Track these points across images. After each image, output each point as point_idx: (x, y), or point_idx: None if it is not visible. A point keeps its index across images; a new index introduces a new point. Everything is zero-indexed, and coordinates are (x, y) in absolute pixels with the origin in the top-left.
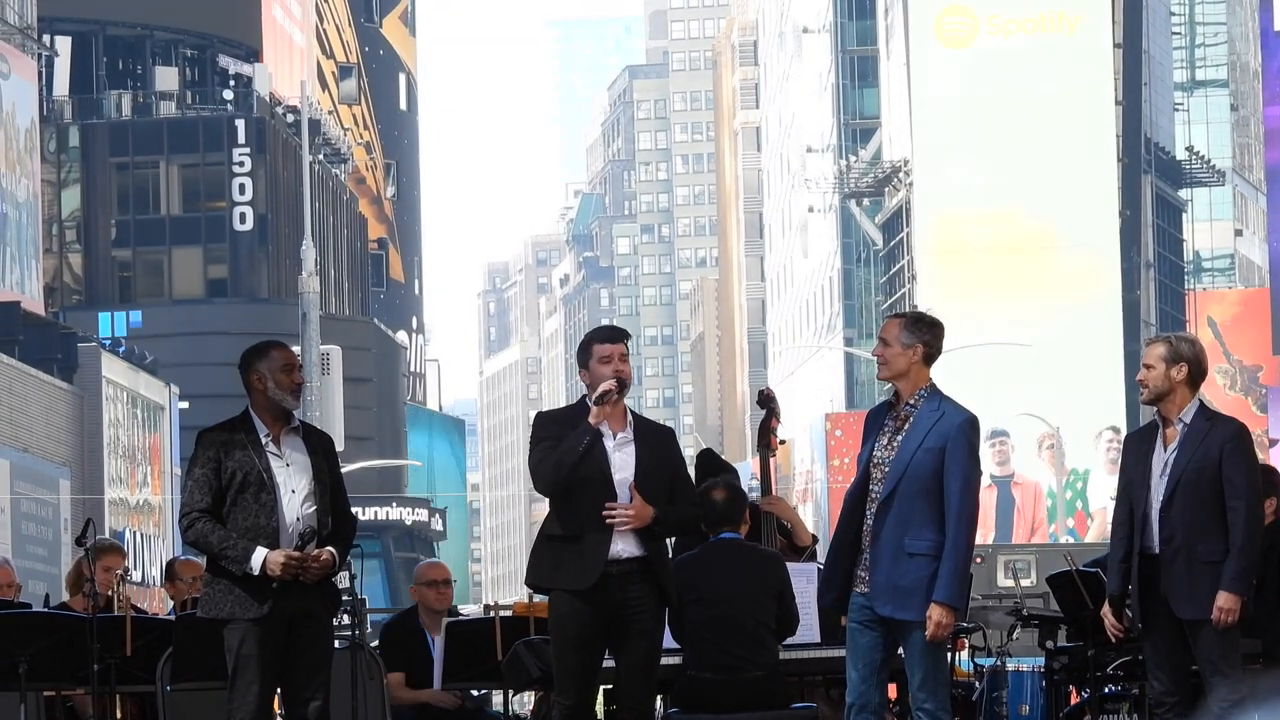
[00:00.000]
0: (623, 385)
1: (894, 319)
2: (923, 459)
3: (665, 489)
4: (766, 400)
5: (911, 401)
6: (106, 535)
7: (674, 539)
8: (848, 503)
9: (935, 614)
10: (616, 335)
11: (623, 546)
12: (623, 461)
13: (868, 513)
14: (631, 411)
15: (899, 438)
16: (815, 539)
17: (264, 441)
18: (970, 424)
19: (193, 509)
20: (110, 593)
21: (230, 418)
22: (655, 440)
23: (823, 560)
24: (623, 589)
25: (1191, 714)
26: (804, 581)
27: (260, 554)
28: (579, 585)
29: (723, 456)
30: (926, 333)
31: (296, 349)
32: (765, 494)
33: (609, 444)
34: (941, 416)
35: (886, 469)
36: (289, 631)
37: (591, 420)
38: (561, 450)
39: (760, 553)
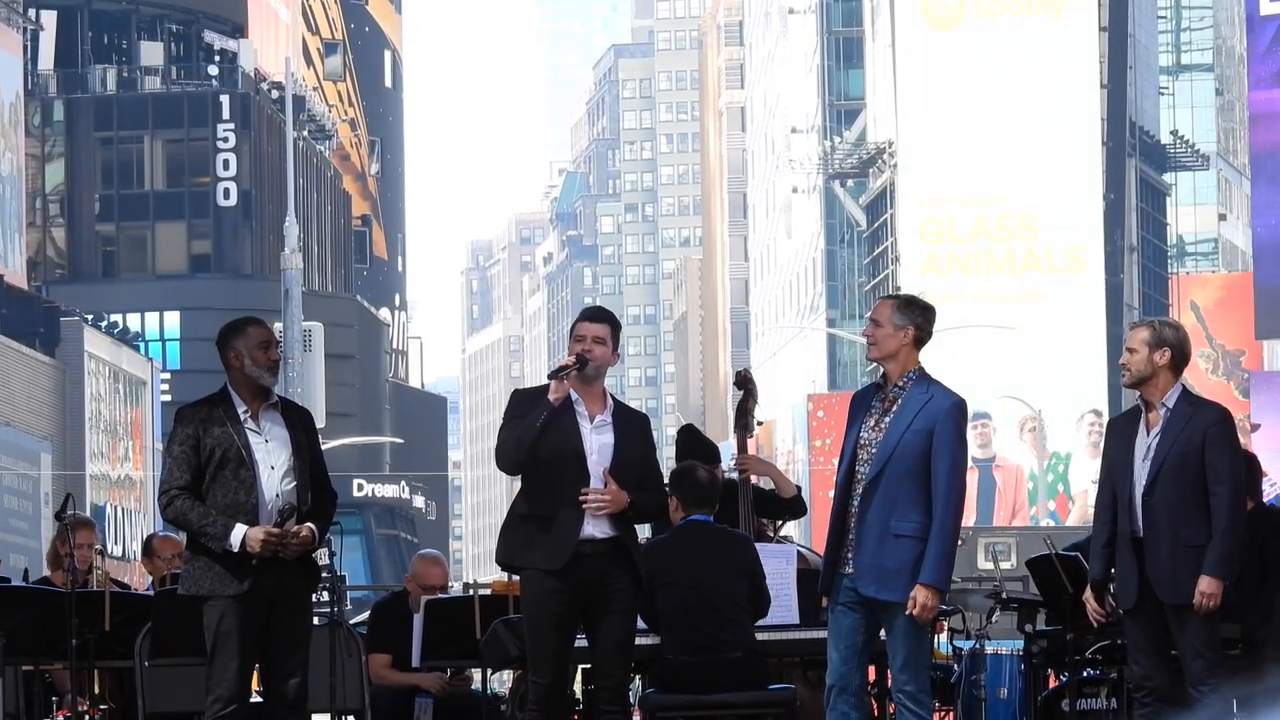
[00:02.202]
0: (584, 363)
1: (887, 300)
2: (911, 441)
3: (637, 476)
4: (744, 381)
5: (900, 384)
6: (87, 510)
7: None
8: (838, 488)
9: (920, 596)
10: (596, 316)
11: (595, 527)
12: (600, 444)
13: (853, 494)
14: (612, 396)
15: (887, 419)
16: (799, 488)
17: (243, 418)
18: (959, 407)
19: (172, 486)
20: (90, 566)
21: (209, 395)
22: (633, 426)
23: (808, 527)
24: (596, 569)
25: (1170, 698)
26: (782, 562)
27: (240, 531)
28: (551, 565)
29: (705, 435)
30: (919, 315)
31: (277, 326)
32: (742, 472)
33: (586, 426)
34: (930, 399)
35: (874, 450)
36: (268, 608)
37: (550, 397)
38: (521, 428)
39: (731, 534)
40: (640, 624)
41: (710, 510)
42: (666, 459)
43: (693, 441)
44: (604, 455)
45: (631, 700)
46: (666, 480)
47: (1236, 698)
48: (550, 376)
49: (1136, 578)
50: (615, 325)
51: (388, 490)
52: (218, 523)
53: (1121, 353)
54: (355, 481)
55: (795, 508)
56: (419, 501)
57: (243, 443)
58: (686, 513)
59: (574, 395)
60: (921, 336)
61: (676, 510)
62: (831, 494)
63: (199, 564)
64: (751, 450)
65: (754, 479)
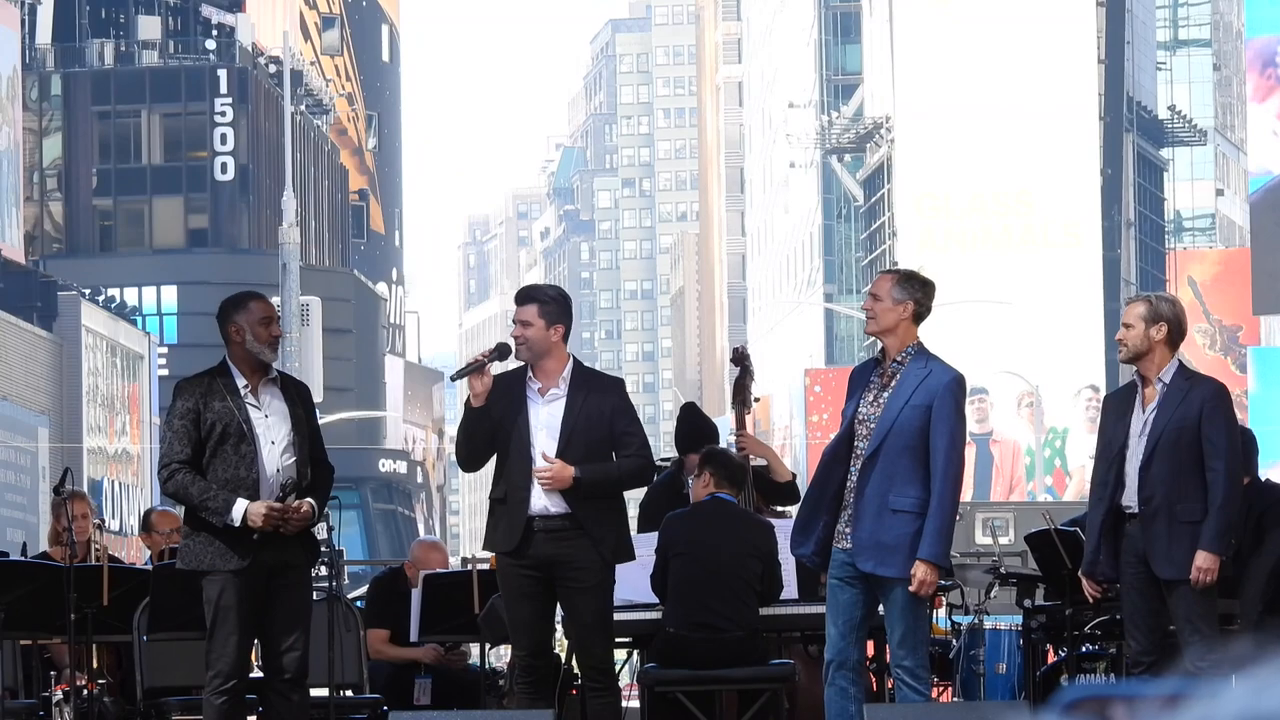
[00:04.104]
0: (505, 354)
1: (887, 274)
2: (909, 416)
3: (603, 444)
4: (740, 358)
5: (899, 359)
6: (84, 484)
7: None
8: (826, 456)
9: (920, 571)
10: (520, 298)
11: (548, 503)
12: (548, 418)
13: (852, 469)
14: (576, 362)
15: (885, 394)
16: (794, 475)
17: (243, 392)
18: (957, 383)
19: (172, 460)
20: (89, 538)
21: (208, 369)
22: (592, 392)
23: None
24: (552, 547)
25: (1168, 674)
26: (781, 537)
27: (241, 505)
28: (504, 547)
29: (705, 413)
30: (918, 290)
31: (275, 300)
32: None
33: (535, 402)
34: (929, 374)
35: (872, 426)
36: (268, 583)
37: (471, 396)
38: (459, 431)
39: (752, 518)
40: (640, 599)
41: (737, 493)
42: (664, 434)
43: (693, 420)
44: (552, 429)
45: (630, 675)
46: (700, 456)
47: (1234, 673)
48: (454, 379)
49: (1133, 553)
50: (545, 300)
51: (385, 465)
52: (219, 497)
53: (1119, 328)
54: (351, 456)
55: (789, 494)
56: (418, 477)
57: (244, 418)
58: (717, 489)
59: (530, 373)
60: (921, 312)
61: (707, 485)
62: None
63: (199, 539)
64: (749, 426)
65: (751, 459)
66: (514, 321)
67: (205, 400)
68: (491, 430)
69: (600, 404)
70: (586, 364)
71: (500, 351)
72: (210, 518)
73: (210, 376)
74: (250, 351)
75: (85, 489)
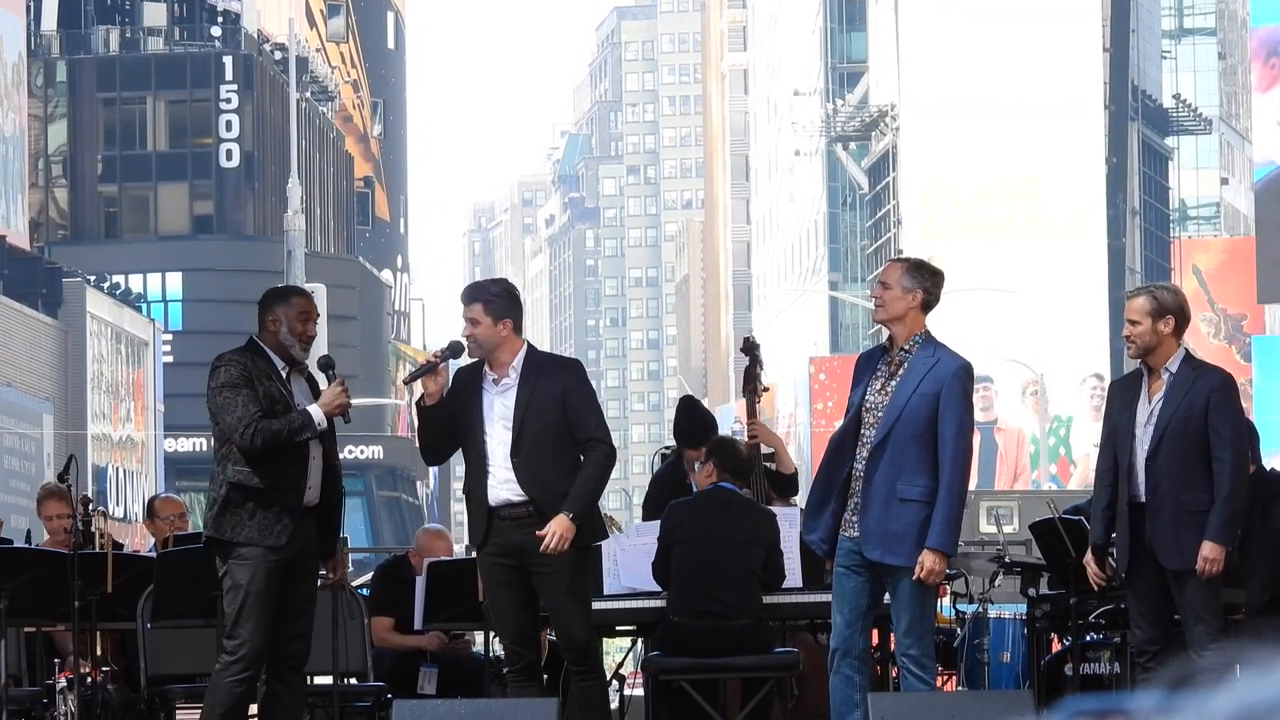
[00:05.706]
0: (455, 351)
1: (896, 263)
2: (917, 404)
3: (558, 428)
4: (750, 348)
5: (906, 347)
6: (88, 470)
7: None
8: (833, 444)
9: (927, 560)
10: (465, 297)
11: (508, 494)
12: (500, 408)
13: (858, 457)
14: (530, 349)
15: (893, 383)
16: (796, 469)
17: (282, 374)
18: (965, 371)
19: (250, 420)
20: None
21: (242, 347)
22: (544, 378)
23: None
24: (520, 535)
25: (1173, 663)
26: (786, 525)
27: (314, 408)
28: (473, 540)
29: (705, 401)
30: (927, 279)
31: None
32: (751, 438)
33: (490, 393)
34: (937, 363)
35: (880, 414)
36: (291, 570)
37: (426, 397)
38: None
39: (754, 506)
40: (643, 587)
41: (741, 484)
42: (668, 421)
43: (692, 414)
44: (506, 419)
45: (634, 663)
46: (708, 445)
47: (1239, 662)
48: (406, 382)
49: (1137, 542)
50: (488, 298)
51: (389, 453)
52: (296, 418)
53: (1123, 318)
54: (356, 443)
55: (791, 486)
56: (420, 464)
57: (292, 401)
58: (720, 479)
59: (486, 365)
60: (930, 300)
61: (710, 475)
62: None
63: (242, 510)
64: (755, 416)
65: (761, 447)
66: (464, 320)
67: (255, 375)
68: (450, 424)
69: (552, 387)
70: (591, 351)
71: (452, 350)
72: (305, 434)
73: (249, 355)
74: (283, 344)
75: (89, 475)
